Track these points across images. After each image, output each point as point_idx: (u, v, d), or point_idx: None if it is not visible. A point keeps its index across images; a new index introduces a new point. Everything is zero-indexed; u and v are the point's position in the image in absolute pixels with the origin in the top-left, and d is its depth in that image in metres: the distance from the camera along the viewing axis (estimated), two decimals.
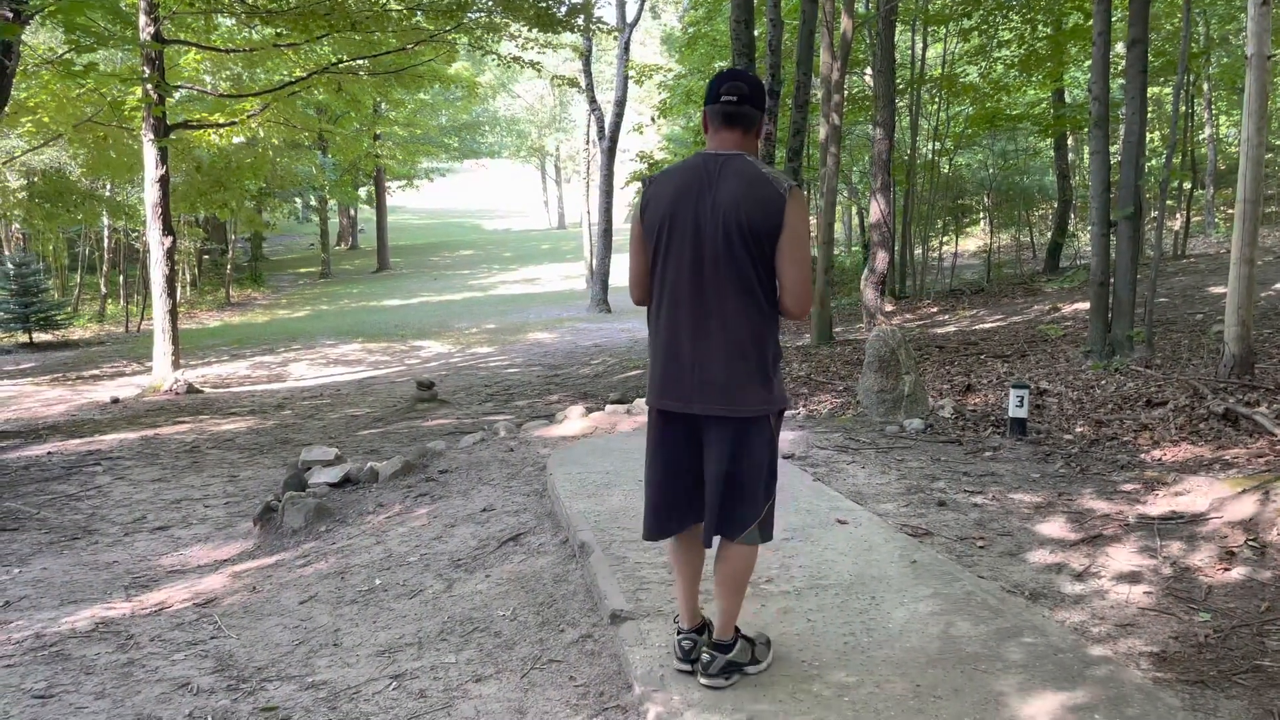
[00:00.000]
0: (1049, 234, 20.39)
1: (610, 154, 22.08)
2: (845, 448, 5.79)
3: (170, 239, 12.60)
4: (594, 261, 24.27)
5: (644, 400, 4.20)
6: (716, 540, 2.73)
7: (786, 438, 6.07)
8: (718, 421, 2.62)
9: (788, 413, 7.56)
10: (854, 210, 27.88)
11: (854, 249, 26.17)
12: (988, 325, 12.95)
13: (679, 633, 2.82)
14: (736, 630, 2.76)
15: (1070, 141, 20.59)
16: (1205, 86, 21.16)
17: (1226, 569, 3.64)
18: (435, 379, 11.73)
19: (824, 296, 12.99)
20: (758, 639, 2.85)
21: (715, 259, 2.59)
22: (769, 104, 8.91)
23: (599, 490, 4.69)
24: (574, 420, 6.98)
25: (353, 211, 44.71)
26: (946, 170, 19.87)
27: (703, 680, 2.70)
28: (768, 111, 8.92)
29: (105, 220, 23.15)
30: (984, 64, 17.58)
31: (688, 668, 2.76)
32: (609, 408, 7.40)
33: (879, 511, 4.38)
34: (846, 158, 20.87)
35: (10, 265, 20.25)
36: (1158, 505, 4.47)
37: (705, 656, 2.71)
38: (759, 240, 2.56)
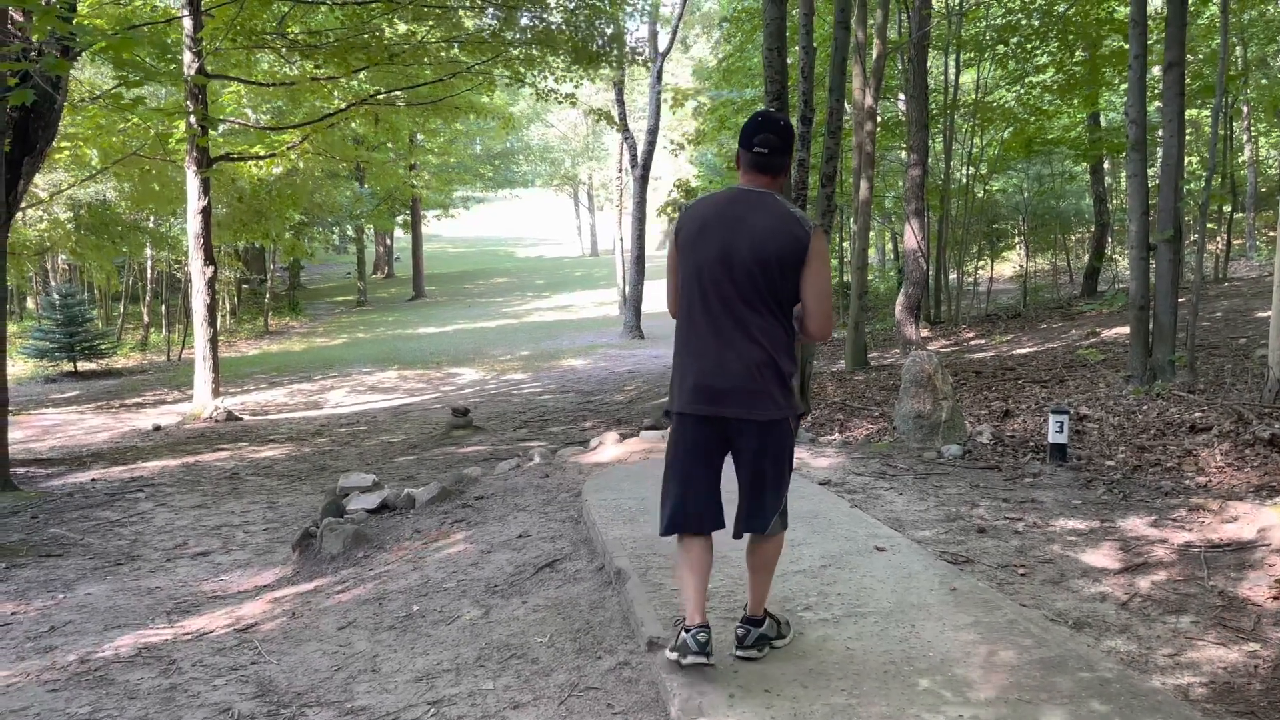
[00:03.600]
0: (1086, 258, 20.16)
1: (643, 182, 22.23)
2: (882, 474, 5.74)
3: (212, 269, 12.84)
4: (626, 288, 24.37)
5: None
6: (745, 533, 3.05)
7: (822, 464, 6.04)
8: (745, 425, 2.90)
9: (822, 438, 7.53)
10: (888, 236, 27.78)
11: (888, 274, 26.04)
12: (1025, 350, 12.81)
13: (689, 630, 2.88)
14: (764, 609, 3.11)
15: (1106, 165, 20.41)
16: (1244, 109, 20.91)
17: (1276, 597, 3.55)
18: (470, 406, 11.81)
19: (858, 321, 12.93)
20: (780, 618, 3.18)
21: (746, 281, 2.88)
22: (801, 130, 8.94)
23: (634, 516, 4.69)
24: (609, 446, 6.99)
25: (389, 240, 45.32)
26: (981, 195, 19.76)
27: (739, 653, 3.02)
28: (800, 138, 8.95)
29: (148, 251, 23.65)
30: (1019, 89, 17.51)
31: (706, 659, 2.86)
32: (643, 434, 7.40)
33: (917, 538, 4.34)
34: (880, 183, 20.83)
35: (56, 296, 20.73)
36: (1204, 533, 4.38)
37: (740, 631, 3.03)
38: (784, 269, 2.88)
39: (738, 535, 3.03)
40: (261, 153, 15.23)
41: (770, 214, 2.90)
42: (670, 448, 3.02)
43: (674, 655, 2.90)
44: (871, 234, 22.25)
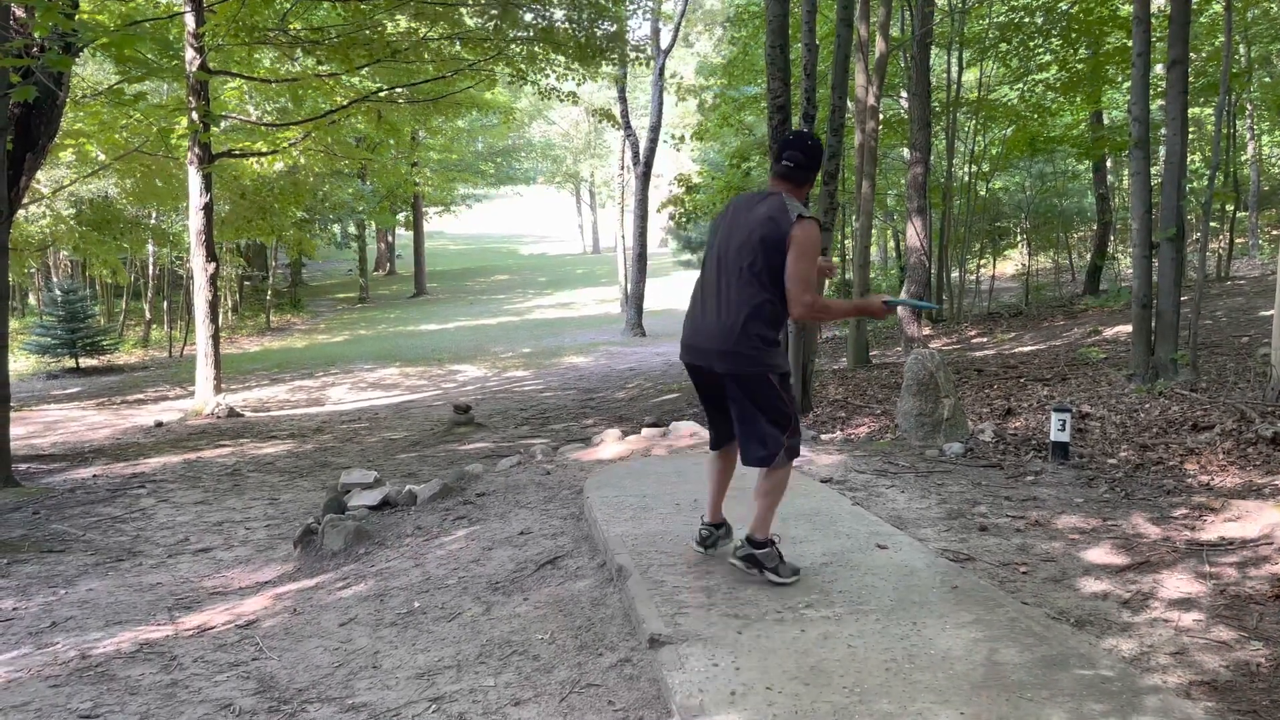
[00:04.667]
0: (1088, 256, 20.15)
1: (645, 179, 22.22)
2: (884, 472, 5.73)
3: (213, 265, 12.84)
4: (629, 285, 24.36)
5: (680, 423, 6.17)
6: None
7: (824, 462, 6.04)
8: (723, 376, 3.52)
9: (824, 436, 7.53)
10: (890, 234, 27.77)
11: (890, 272, 26.03)
12: (1027, 348, 12.80)
13: (701, 523, 3.91)
14: (773, 541, 3.60)
15: (1109, 163, 20.37)
16: (1247, 107, 20.87)
17: (1278, 596, 3.55)
18: (472, 403, 11.81)
19: (860, 319, 12.92)
20: (789, 563, 3.63)
21: (736, 258, 3.47)
22: (804, 127, 8.94)
23: (636, 514, 4.69)
24: (610, 444, 6.99)
25: (390, 237, 45.31)
26: (983, 193, 19.74)
27: (731, 560, 3.66)
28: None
29: (150, 247, 23.65)
30: (1022, 87, 17.47)
31: (703, 550, 3.88)
32: (645, 431, 7.40)
33: (919, 536, 4.33)
34: (882, 181, 20.80)
35: (58, 292, 20.74)
36: (1207, 531, 4.37)
37: (738, 543, 3.58)
38: (768, 251, 3.40)
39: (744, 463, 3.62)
40: (264, 149, 15.23)
41: (769, 206, 3.46)
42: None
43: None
44: (874, 232, 22.24)
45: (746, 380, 3.46)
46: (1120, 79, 16.31)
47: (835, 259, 21.18)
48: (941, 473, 5.72)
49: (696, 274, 3.83)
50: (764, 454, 3.49)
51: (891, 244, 28.15)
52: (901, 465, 5.94)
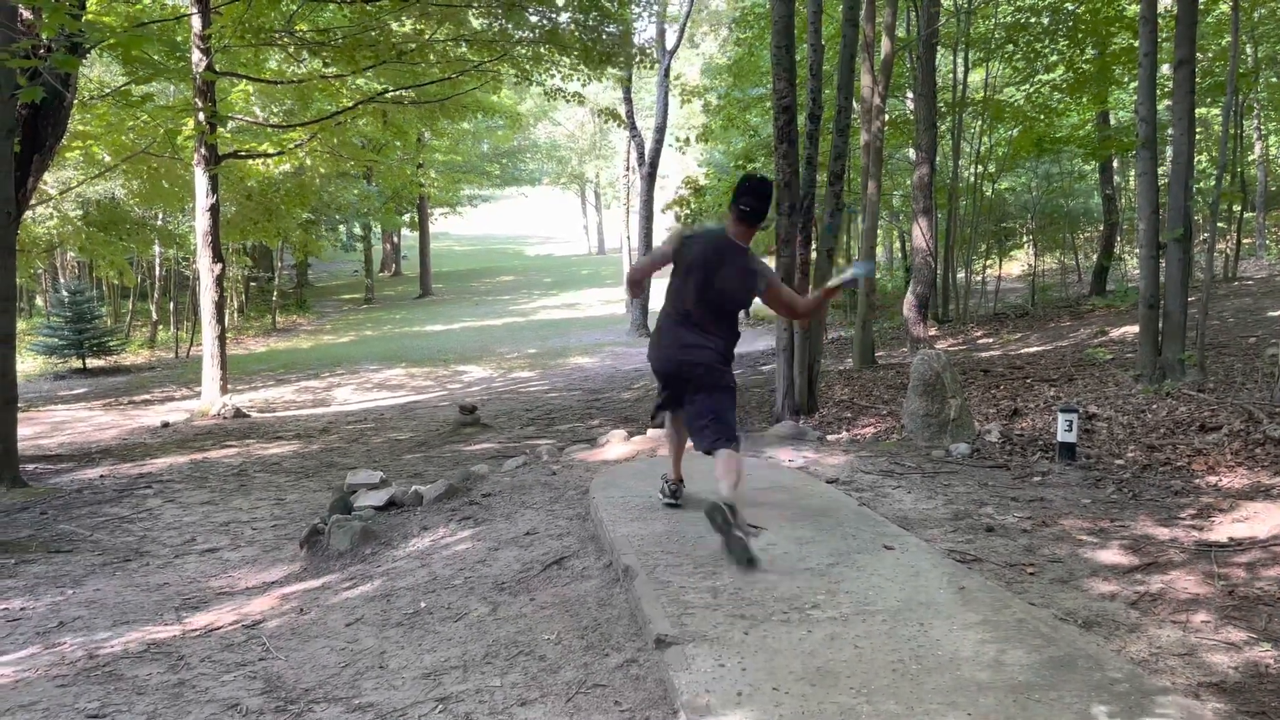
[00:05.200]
0: (1094, 257, 20.10)
1: (650, 180, 22.21)
2: (890, 472, 5.73)
3: (220, 266, 12.88)
4: None
5: None
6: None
7: (830, 462, 6.03)
8: (695, 380, 4.38)
9: (830, 437, 7.53)
10: (895, 234, 27.74)
11: (896, 272, 25.99)
12: (1033, 349, 12.77)
13: (667, 480, 4.84)
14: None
15: (1115, 164, 20.33)
16: (1255, 107, 20.81)
17: None
18: (477, 403, 11.82)
19: (866, 320, 12.91)
20: (677, 493, 4.80)
21: (713, 305, 4.36)
22: (809, 127, 8.94)
23: (642, 514, 4.69)
24: (616, 444, 6.99)
25: (396, 238, 45.36)
26: (989, 194, 19.71)
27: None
28: (807, 136, 8.95)
29: (157, 248, 23.71)
30: (1028, 87, 17.44)
31: (675, 503, 4.78)
32: (651, 432, 7.40)
33: (926, 537, 4.33)
34: (888, 181, 20.77)
35: (65, 293, 20.80)
36: (1215, 532, 4.36)
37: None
38: (736, 306, 4.42)
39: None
40: (270, 151, 15.26)
41: (749, 262, 4.35)
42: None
43: (662, 501, 4.81)
44: (880, 233, 22.22)
45: (715, 388, 4.39)
46: (1127, 79, 16.28)
47: (841, 260, 21.18)
48: (948, 473, 5.71)
49: None
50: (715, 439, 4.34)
51: (897, 244, 28.12)
52: (908, 466, 5.93)
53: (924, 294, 13.81)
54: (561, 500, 5.45)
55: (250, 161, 15.77)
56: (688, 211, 20.59)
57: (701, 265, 4.33)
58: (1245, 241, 21.01)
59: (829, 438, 7.51)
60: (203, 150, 12.61)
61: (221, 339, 12.98)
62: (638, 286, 4.94)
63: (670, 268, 4.50)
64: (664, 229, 43.35)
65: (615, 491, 5.22)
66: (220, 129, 13.24)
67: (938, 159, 16.44)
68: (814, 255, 9.80)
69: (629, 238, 27.83)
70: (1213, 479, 5.35)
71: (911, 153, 18.65)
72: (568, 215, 64.19)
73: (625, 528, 4.45)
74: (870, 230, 13.30)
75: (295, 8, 13.78)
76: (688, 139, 23.17)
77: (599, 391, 13.76)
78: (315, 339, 25.97)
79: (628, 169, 28.13)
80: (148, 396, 15.68)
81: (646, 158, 22.08)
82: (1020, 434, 6.89)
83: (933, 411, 6.83)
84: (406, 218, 38.85)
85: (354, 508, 5.87)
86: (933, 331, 15.87)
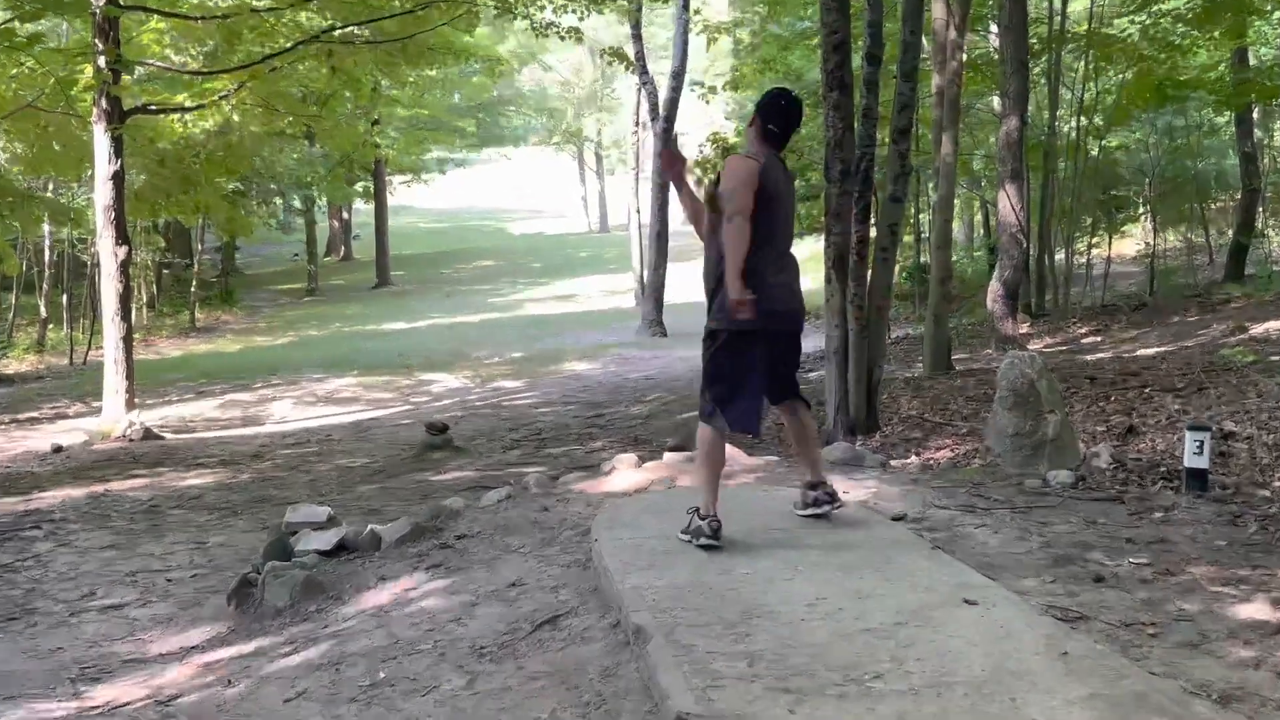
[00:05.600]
0: (1230, 233, 20.01)
1: (666, 138, 22.20)
2: (972, 507, 5.71)
3: (125, 249, 12.95)
4: (645, 273, 24.40)
5: None
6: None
7: (895, 494, 6.02)
8: (795, 337, 5.14)
9: (895, 462, 7.51)
10: (977, 206, 27.69)
11: (977, 254, 25.94)
12: (1153, 350, 12.73)
13: (699, 515, 4.82)
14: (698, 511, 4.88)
15: (1256, 114, 20.24)
16: None
17: None
18: (449, 421, 11.84)
19: (939, 314, 12.89)
20: (694, 527, 4.84)
21: (789, 229, 5.08)
22: (867, 71, 8.94)
23: (658, 560, 4.69)
24: (623, 472, 6.99)
25: (346, 214, 45.49)
26: (1096, 153, 19.65)
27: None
28: (864, 82, 8.95)
29: (46, 227, 23.80)
30: (1145, 18, 17.36)
31: (715, 543, 4.73)
32: (668, 456, 7.40)
33: (1017, 589, 4.31)
34: (967, 139, 20.74)
35: None
36: None
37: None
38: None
39: (777, 401, 5.22)
40: (188, 104, 15.32)
41: (793, 196, 5.20)
42: (738, 362, 4.86)
43: (690, 540, 4.80)
44: (957, 203, 22.17)
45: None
46: (1270, 7, 16.22)
47: (908, 237, 21.15)
48: (1045, 508, 5.70)
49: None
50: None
51: (979, 218, 28.08)
52: (994, 498, 5.92)
53: (1013, 281, 13.79)
54: (555, 543, 5.45)
55: (163, 118, 15.82)
56: (712, 177, 20.60)
57: (783, 194, 4.88)
58: None
59: (893, 463, 7.49)
60: (104, 104, 12.67)
61: (128, 341, 13.04)
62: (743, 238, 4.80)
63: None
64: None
65: (624, 532, 5.22)
66: (126, 77, 13.32)
67: (1030, 110, 16.39)
68: (874, 232, 9.79)
69: (638, 211, 27.79)
70: None
71: (996, 101, 18.63)
72: (561, 183, 64.27)
73: (636, 577, 4.45)
74: (945, 200, 13.28)
75: None
76: (713, 86, 23.19)
77: (602, 406, 13.77)
78: (245, 340, 26.07)
79: (637, 124, 28.15)
80: (35, 414, 15.76)
81: (661, 110, 22.10)
82: (1137, 458, 6.86)
83: (1025, 430, 6.81)
84: (359, 188, 38.96)
85: (295, 553, 5.89)
86: (1024, 328, 15.83)
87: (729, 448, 5.50)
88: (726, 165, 4.98)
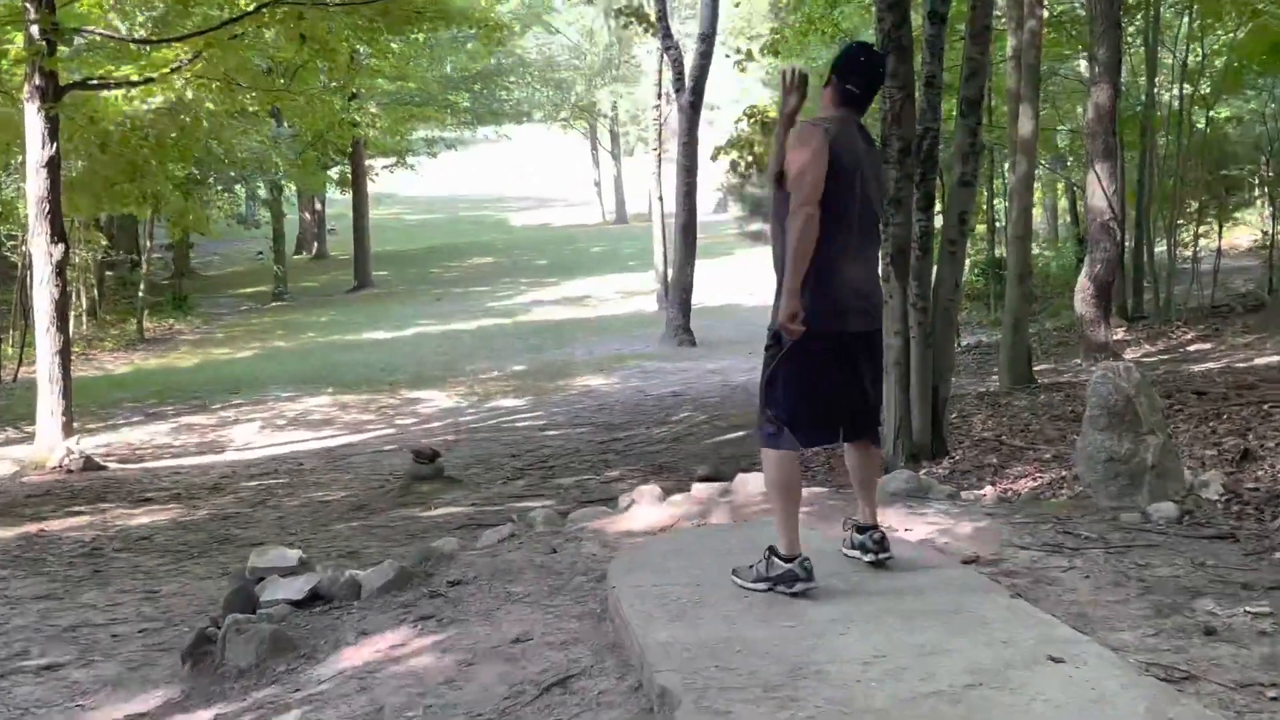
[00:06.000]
0: None
1: (693, 111, 22.22)
2: (1058, 546, 5.69)
3: (61, 248, 13.01)
4: (670, 271, 24.37)
5: (749, 474, 7.17)
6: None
7: (967, 532, 5.99)
8: (874, 336, 5.13)
9: (967, 494, 7.48)
10: (1062, 189, 27.60)
11: (1062, 246, 25.85)
12: (1272, 358, 12.65)
13: (779, 556, 4.75)
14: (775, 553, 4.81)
15: None
16: None
17: None
18: (440, 447, 11.87)
19: (1019, 318, 12.85)
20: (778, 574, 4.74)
21: (871, 218, 4.99)
22: (930, 33, 8.93)
23: (687, 611, 4.68)
24: (645, 507, 6.99)
25: (319, 205, 45.67)
26: (1203, 126, 19.57)
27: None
28: (927, 43, 8.94)
29: None
30: None
31: (810, 582, 4.71)
32: (697, 488, 7.39)
33: (1113, 644, 4.29)
34: (1050, 111, 20.69)
35: None
36: None
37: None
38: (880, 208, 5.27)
39: (858, 439, 5.19)
40: (135, 77, 15.42)
41: (878, 164, 5.14)
42: (806, 371, 4.79)
43: (771, 587, 4.71)
44: (1037, 187, 22.11)
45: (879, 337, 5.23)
46: None
47: (981, 226, 21.11)
48: (1145, 547, 5.66)
49: (769, 252, 4.96)
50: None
51: (1064, 203, 27.98)
52: (1084, 536, 5.88)
53: (1105, 278, 13.75)
54: (566, 591, 5.46)
55: (106, 94, 15.93)
56: (750, 159, 20.56)
57: (860, 165, 4.82)
58: None
59: (964, 495, 7.46)
60: (37, 79, 12.76)
61: (65, 355, 13.11)
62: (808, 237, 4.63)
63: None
64: (714, 187, 42.82)
65: (646, 577, 5.22)
66: (63, 48, 13.42)
67: (1124, 76, 16.35)
68: (939, 222, 9.77)
69: (661, 199, 27.80)
70: None
71: (1084, 66, 18.59)
72: (571, 167, 64.47)
73: (662, 631, 4.44)
74: (1024, 183, 13.25)
75: None
76: (748, 51, 23.17)
77: (619, 428, 13.77)
78: (201, 353, 26.17)
79: (660, 97, 28.19)
80: None
81: (687, 79, 22.11)
82: (1254, 488, 6.82)
83: (1121, 454, 6.78)
84: (334, 173, 39.05)
85: (260, 603, 5.90)
86: (1119, 334, 15.77)
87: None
88: (791, 135, 4.81)
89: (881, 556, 4.98)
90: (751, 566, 4.80)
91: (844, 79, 4.81)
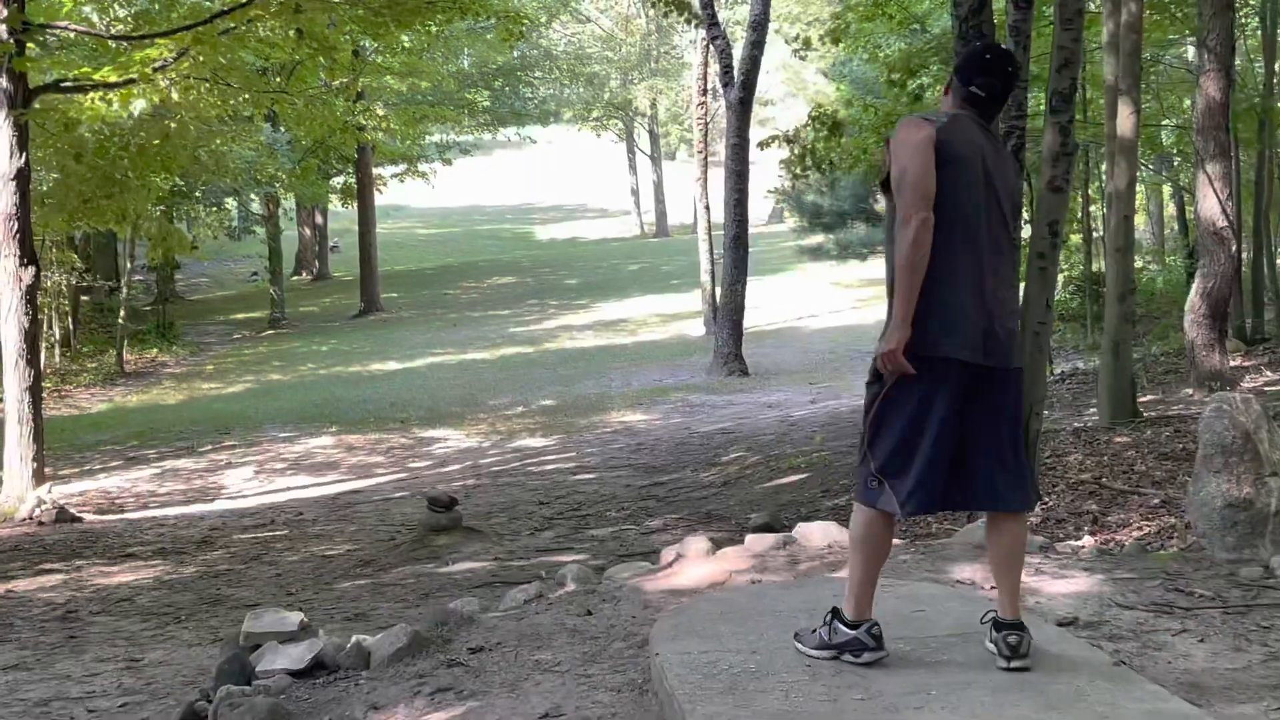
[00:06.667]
0: None
1: (743, 109, 22.22)
2: (1168, 606, 5.64)
3: (32, 270, 13.12)
4: (718, 290, 24.36)
5: (810, 524, 7.22)
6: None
7: (1061, 590, 5.96)
8: (1012, 374, 4.65)
9: (1062, 544, 7.43)
10: (1168, 193, 27.46)
11: (1169, 260, 25.70)
12: None
13: (844, 621, 4.68)
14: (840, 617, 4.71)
15: None
16: None
17: None
18: (458, 494, 11.89)
19: (1120, 341, 12.75)
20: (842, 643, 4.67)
21: (1003, 220, 4.69)
22: (1014, 18, 8.92)
23: (740, 682, 4.67)
24: (692, 561, 6.98)
25: (320, 219, 45.89)
26: None
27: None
28: (1010, 29, 8.94)
29: None
30: None
31: (879, 650, 4.67)
32: (751, 540, 7.37)
33: (1232, 716, 4.25)
34: (1152, 105, 20.61)
35: None
36: None
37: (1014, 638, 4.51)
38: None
39: (988, 508, 4.81)
40: (113, 79, 15.59)
41: (1008, 161, 4.82)
42: (916, 409, 4.48)
43: (836, 655, 4.65)
44: (1140, 192, 21.98)
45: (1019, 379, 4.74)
46: None
47: (1075, 237, 21.00)
48: (1269, 606, 5.61)
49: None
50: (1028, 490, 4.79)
51: (1171, 211, 27.83)
52: (1199, 594, 5.84)
53: (1219, 295, 13.61)
54: (602, 659, 5.45)
55: (82, 98, 16.13)
56: (809, 164, 20.52)
57: (976, 165, 4.59)
58: None
59: (1059, 546, 7.41)
60: (4, 82, 12.90)
61: (35, 392, 13.18)
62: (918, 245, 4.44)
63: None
64: (764, 192, 43.08)
65: (694, 644, 5.21)
66: (33, 45, 13.58)
67: (1237, 63, 16.26)
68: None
69: (707, 208, 27.83)
70: None
71: (1192, 53, 18.49)
72: (604, 173, 64.62)
73: (712, 706, 4.44)
74: (1124, 188, 13.17)
75: None
76: (806, 40, 23.20)
77: (661, 471, 13.75)
78: (188, 388, 26.33)
79: (705, 93, 28.29)
80: None
81: (736, 72, 22.13)
82: None
83: (1239, 500, 6.72)
84: (338, 183, 39.28)
85: (256, 674, 5.92)
86: (1236, 360, 15.62)
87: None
88: (896, 129, 4.73)
89: (1015, 665, 4.54)
90: (814, 630, 4.71)
91: (967, 80, 4.65)
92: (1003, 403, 4.56)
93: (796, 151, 20.50)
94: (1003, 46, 5.08)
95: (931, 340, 4.38)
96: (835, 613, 4.66)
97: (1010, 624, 4.57)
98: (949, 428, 4.42)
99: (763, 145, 21.26)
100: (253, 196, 37.15)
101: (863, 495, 4.64)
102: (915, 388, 4.40)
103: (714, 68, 24.01)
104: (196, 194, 32.18)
